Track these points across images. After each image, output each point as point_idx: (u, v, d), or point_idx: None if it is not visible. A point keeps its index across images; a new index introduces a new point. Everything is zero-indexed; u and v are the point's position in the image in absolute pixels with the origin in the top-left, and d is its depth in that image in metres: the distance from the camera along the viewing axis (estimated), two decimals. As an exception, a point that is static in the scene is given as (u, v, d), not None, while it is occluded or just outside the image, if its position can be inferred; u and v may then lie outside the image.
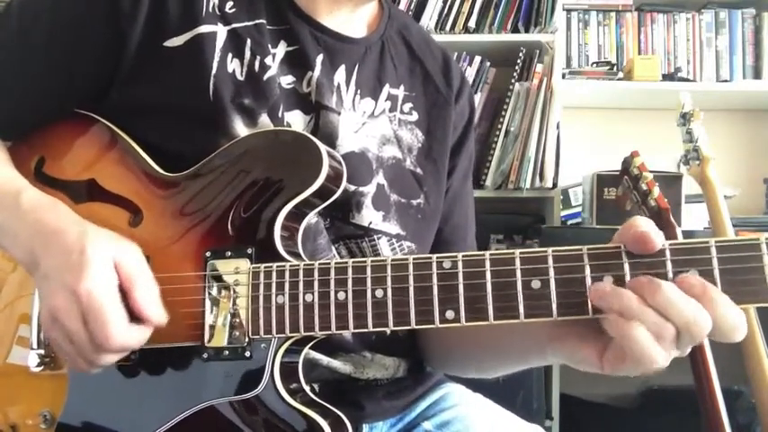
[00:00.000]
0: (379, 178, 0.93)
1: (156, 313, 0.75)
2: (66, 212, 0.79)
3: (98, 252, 0.73)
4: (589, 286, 0.64)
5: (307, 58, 0.91)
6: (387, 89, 0.97)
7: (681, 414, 1.97)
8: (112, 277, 0.73)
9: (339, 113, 0.92)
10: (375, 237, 0.92)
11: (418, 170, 0.98)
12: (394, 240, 0.93)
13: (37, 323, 0.83)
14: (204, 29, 0.86)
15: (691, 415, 1.61)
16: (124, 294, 0.74)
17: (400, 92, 0.99)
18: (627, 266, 0.64)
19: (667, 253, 0.63)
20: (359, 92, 0.95)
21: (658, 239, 0.62)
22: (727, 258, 0.62)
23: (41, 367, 0.83)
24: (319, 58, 0.91)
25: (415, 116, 0.99)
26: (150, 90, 0.85)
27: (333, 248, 0.90)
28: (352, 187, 0.90)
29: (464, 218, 1.08)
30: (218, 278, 0.78)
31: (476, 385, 1.04)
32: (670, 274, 0.63)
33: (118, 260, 0.74)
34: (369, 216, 0.91)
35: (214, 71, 0.85)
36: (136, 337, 0.74)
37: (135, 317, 0.74)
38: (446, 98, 1.03)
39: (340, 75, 0.93)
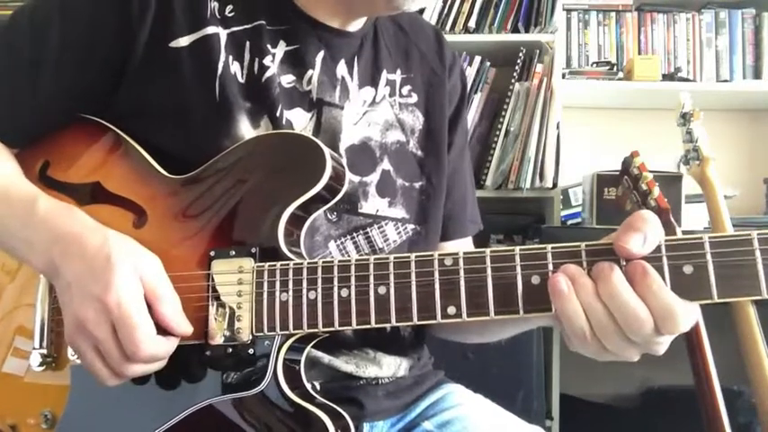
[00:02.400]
0: (385, 164, 0.95)
1: (182, 325, 0.76)
2: (83, 218, 0.79)
3: (123, 262, 0.74)
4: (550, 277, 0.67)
5: (306, 56, 0.92)
6: (384, 75, 0.99)
7: (681, 414, 1.97)
8: (139, 288, 0.74)
9: (342, 108, 0.93)
10: (383, 223, 0.94)
11: (419, 153, 0.99)
12: (399, 224, 0.95)
13: (40, 325, 0.84)
14: (210, 30, 0.87)
15: (691, 415, 1.61)
16: (149, 308, 0.74)
17: (397, 76, 1.00)
18: (623, 262, 0.65)
19: (663, 249, 0.65)
20: (359, 82, 0.96)
21: (638, 250, 0.64)
22: (720, 254, 0.63)
23: (43, 367, 0.84)
24: (320, 56, 0.92)
25: (414, 98, 1.01)
26: (156, 91, 0.86)
27: (329, 245, 0.91)
28: (357, 178, 0.92)
29: (463, 191, 1.09)
30: (222, 277, 0.78)
31: (476, 386, 1.04)
32: (665, 269, 0.64)
33: (142, 273, 0.75)
34: (375, 204, 0.93)
35: (220, 72, 0.86)
36: (164, 347, 0.75)
37: (160, 329, 0.75)
38: (440, 77, 1.05)
39: (342, 68, 0.95)
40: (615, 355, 0.67)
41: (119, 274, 0.73)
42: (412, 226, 0.97)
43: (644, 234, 0.64)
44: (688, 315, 0.64)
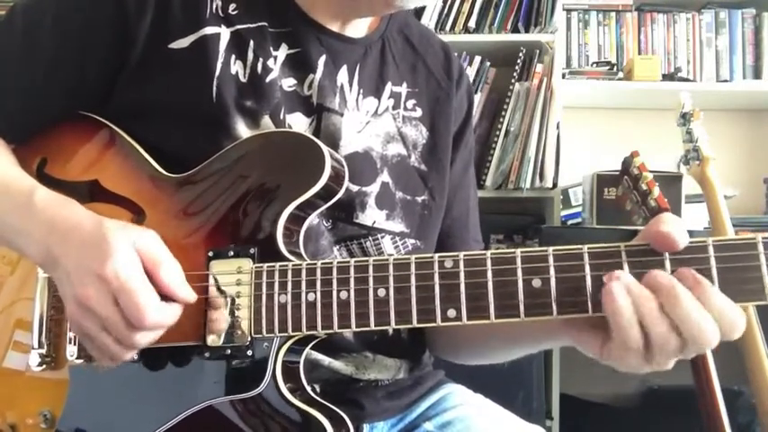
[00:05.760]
0: (384, 176, 0.94)
1: (185, 291, 0.75)
2: (81, 209, 0.79)
3: (118, 238, 0.73)
4: (607, 276, 0.64)
5: (308, 60, 0.91)
6: (389, 87, 0.98)
7: (681, 414, 1.97)
8: (137, 259, 0.73)
9: (342, 115, 0.92)
10: (379, 235, 0.92)
11: (422, 167, 0.98)
12: (397, 238, 0.94)
13: (38, 324, 0.83)
14: (209, 30, 0.86)
15: (691, 415, 1.61)
16: (150, 277, 0.73)
17: (403, 89, 0.99)
18: (626, 266, 0.65)
19: (666, 252, 0.64)
20: (361, 91, 0.95)
21: (681, 239, 0.62)
22: (724, 257, 0.62)
23: (42, 367, 0.84)
24: (322, 60, 0.92)
25: (419, 112, 1.00)
26: (155, 91, 0.86)
27: (334, 249, 0.91)
28: (356, 187, 0.90)
29: (465, 209, 1.08)
30: (221, 278, 0.78)
31: (476, 386, 1.04)
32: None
33: (138, 245, 0.74)
34: (372, 215, 0.92)
35: (217, 73, 0.85)
36: (168, 313, 0.74)
37: (163, 297, 0.74)
38: (447, 92, 1.03)
39: (342, 75, 0.94)
40: (660, 366, 0.64)
41: (114, 247, 0.72)
42: (412, 240, 0.95)
43: (678, 227, 0.62)
44: (742, 316, 0.62)
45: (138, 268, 0.73)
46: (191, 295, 0.76)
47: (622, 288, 0.63)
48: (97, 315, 0.72)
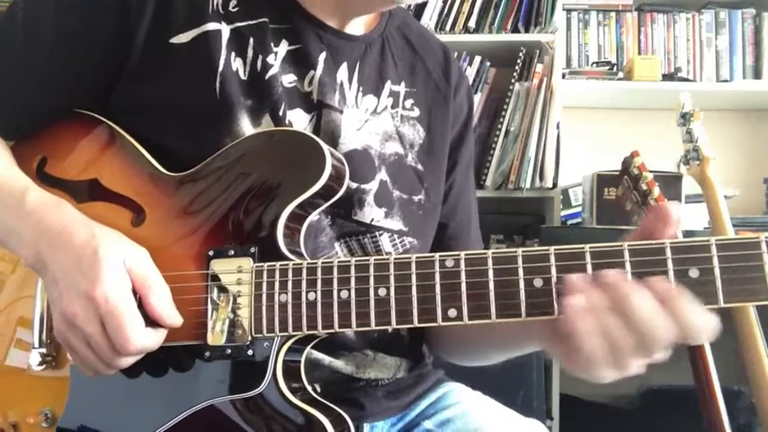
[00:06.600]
0: (382, 175, 0.94)
1: (172, 316, 0.76)
2: (72, 212, 0.79)
3: (110, 255, 0.74)
4: (555, 281, 0.65)
5: (309, 56, 0.91)
6: (388, 86, 0.98)
7: (681, 414, 1.97)
8: (127, 281, 0.74)
9: (341, 112, 0.92)
10: (377, 233, 0.92)
11: (419, 166, 0.98)
12: (396, 236, 0.94)
13: (39, 323, 0.83)
14: (211, 26, 0.86)
15: (691, 415, 1.61)
16: (139, 299, 0.74)
17: (401, 88, 0.99)
18: (628, 265, 0.64)
19: (668, 251, 0.64)
20: (361, 89, 0.95)
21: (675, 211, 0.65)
22: (727, 257, 0.62)
23: (43, 366, 0.84)
24: (322, 57, 0.92)
25: (416, 112, 1.00)
26: (155, 87, 0.85)
27: (335, 246, 0.91)
28: (355, 185, 0.90)
29: (467, 212, 1.09)
30: (221, 277, 0.78)
31: (476, 385, 1.04)
32: (671, 273, 0.63)
33: (129, 264, 0.75)
34: (371, 213, 0.92)
35: (221, 69, 0.85)
36: (153, 339, 0.75)
37: (150, 320, 0.75)
38: (445, 95, 1.04)
39: (342, 72, 0.93)
40: (622, 373, 0.66)
41: (106, 268, 0.73)
42: (410, 239, 0.95)
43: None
44: (712, 323, 0.62)
45: (128, 292, 0.74)
46: (177, 321, 0.77)
47: (583, 310, 0.63)
48: (83, 333, 0.73)
